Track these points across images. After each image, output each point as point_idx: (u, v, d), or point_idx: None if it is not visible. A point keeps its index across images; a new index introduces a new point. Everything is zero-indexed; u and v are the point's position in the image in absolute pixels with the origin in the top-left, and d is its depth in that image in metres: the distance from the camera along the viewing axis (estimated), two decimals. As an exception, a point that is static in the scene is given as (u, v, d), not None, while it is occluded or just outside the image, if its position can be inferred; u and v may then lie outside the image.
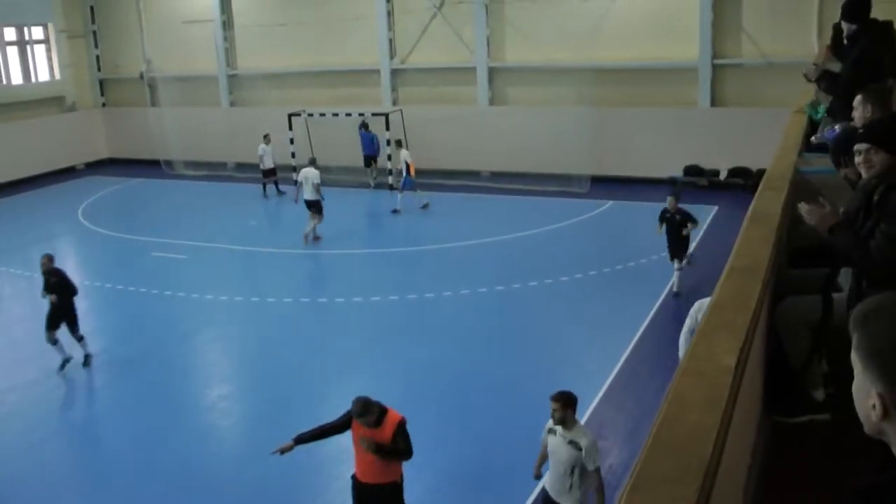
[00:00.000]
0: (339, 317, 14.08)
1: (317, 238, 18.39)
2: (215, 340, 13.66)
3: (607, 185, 21.82)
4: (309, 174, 18.39)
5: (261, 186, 23.36)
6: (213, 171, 26.75)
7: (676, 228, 13.50)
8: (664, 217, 13.67)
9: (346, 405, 11.10)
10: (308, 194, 18.31)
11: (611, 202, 20.35)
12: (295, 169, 24.35)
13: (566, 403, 6.43)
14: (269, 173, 23.06)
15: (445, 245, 17.81)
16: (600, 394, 10.58)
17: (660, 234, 13.78)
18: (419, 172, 23.46)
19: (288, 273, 16.67)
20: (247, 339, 13.52)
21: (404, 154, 20.83)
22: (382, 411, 6.71)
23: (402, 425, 6.70)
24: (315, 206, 18.31)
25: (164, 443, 9.90)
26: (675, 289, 13.74)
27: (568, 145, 22.02)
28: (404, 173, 20.47)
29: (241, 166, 26.30)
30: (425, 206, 20.59)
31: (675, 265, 13.70)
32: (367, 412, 6.61)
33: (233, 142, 26.41)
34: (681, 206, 13.77)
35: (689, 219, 13.56)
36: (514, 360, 11.82)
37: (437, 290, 14.79)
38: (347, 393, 11.05)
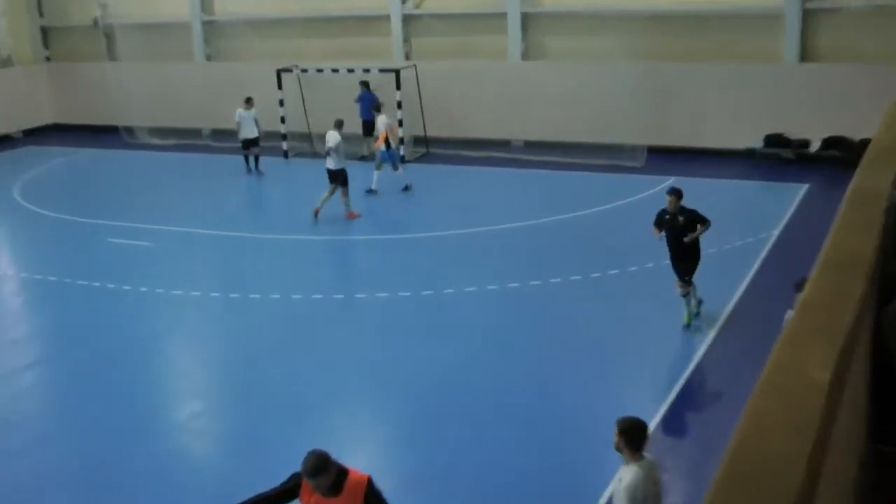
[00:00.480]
0: (339, 317, 14.13)
1: (317, 214, 18.57)
2: (186, 345, 13.74)
3: (668, 157, 21.71)
4: (328, 137, 18.83)
5: (244, 159, 23.45)
6: (184, 139, 26.88)
7: (678, 234, 12.80)
8: (662, 219, 12.92)
9: (345, 423, 11.12)
10: (328, 161, 18.66)
11: (673, 178, 20.20)
12: (285, 137, 24.46)
13: (621, 431, 6.48)
14: (250, 143, 23.13)
15: (467, 230, 17.80)
16: (659, 415, 10.54)
17: (659, 239, 13.06)
18: (436, 141, 23.48)
19: (276, 264, 16.73)
20: (224, 343, 13.58)
21: (380, 120, 20.90)
22: (342, 472, 6.36)
23: (371, 486, 6.41)
24: (334, 177, 18.58)
25: (122, 470, 9.96)
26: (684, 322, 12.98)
27: (620, 109, 21.91)
28: (382, 145, 20.54)
29: (219, 134, 26.41)
30: (404, 189, 20.84)
31: (680, 289, 12.87)
32: (323, 471, 6.20)
33: (209, 104, 26.53)
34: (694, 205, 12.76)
35: (697, 219, 12.71)
36: (548, 371, 11.80)
37: (457, 285, 14.79)
38: (345, 412, 11.15)
